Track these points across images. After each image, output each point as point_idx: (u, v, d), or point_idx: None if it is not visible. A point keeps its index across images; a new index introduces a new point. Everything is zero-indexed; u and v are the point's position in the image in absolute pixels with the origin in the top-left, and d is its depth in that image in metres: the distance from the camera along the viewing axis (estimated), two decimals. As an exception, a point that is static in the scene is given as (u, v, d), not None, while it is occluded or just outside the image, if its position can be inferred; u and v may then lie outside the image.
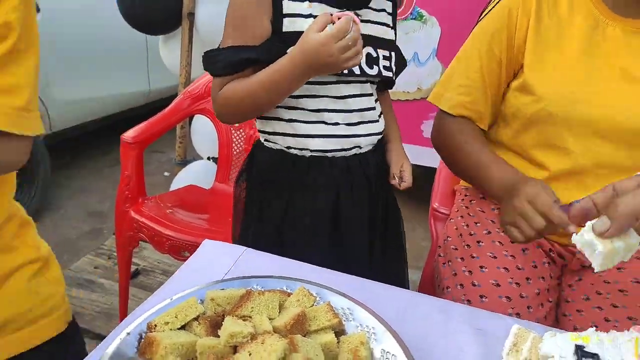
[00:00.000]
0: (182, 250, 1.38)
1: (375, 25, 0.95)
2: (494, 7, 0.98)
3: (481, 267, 0.94)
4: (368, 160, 0.99)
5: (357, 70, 0.91)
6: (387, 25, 0.98)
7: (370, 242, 1.02)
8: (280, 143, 0.97)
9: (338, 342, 0.60)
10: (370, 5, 0.94)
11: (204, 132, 2.26)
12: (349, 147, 0.96)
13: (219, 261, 0.81)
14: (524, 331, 0.63)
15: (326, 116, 0.93)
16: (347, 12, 0.81)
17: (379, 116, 1.01)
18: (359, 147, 0.97)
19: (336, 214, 0.98)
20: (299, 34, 0.83)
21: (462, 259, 0.99)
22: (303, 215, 0.98)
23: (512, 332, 0.63)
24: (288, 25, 0.87)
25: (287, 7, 0.87)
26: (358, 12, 0.92)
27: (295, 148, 0.95)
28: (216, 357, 0.53)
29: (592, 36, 0.89)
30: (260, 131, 1.01)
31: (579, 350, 0.55)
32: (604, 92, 0.87)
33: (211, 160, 2.30)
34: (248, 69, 0.88)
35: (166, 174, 3.00)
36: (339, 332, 0.63)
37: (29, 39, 0.81)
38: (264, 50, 0.87)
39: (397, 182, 1.01)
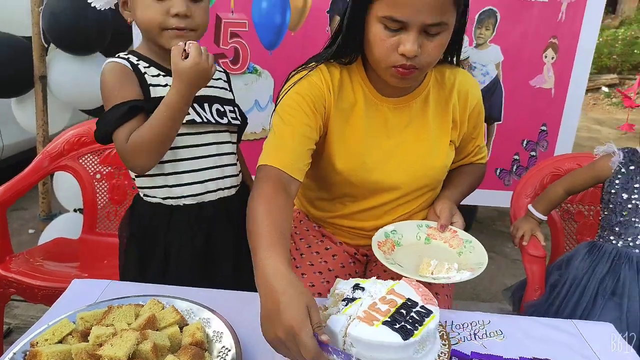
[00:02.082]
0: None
1: (216, 89, 1.27)
2: (305, 76, 1.11)
3: (302, 274, 1.23)
4: (232, 203, 1.28)
5: (213, 120, 1.20)
6: (225, 89, 1.31)
7: (234, 267, 1.29)
8: (159, 195, 1.21)
9: (182, 332, 0.84)
10: None
11: (67, 185, 2.34)
12: (214, 190, 1.24)
13: (87, 294, 1.00)
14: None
15: (195, 163, 1.20)
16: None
17: (237, 160, 1.32)
18: (222, 189, 1.26)
19: (207, 250, 1.25)
20: (160, 98, 1.07)
21: (295, 267, 1.28)
22: (180, 256, 1.23)
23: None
24: (153, 92, 1.13)
25: (150, 80, 1.15)
26: None
27: (171, 198, 1.21)
28: (87, 353, 0.74)
29: (368, 114, 1.14)
30: (139, 187, 1.24)
31: (355, 285, 0.85)
32: (378, 160, 1.15)
33: (77, 212, 2.38)
34: (138, 115, 1.07)
35: (31, 231, 2.96)
36: (185, 325, 0.87)
37: None
38: (144, 102, 1.10)
39: None
